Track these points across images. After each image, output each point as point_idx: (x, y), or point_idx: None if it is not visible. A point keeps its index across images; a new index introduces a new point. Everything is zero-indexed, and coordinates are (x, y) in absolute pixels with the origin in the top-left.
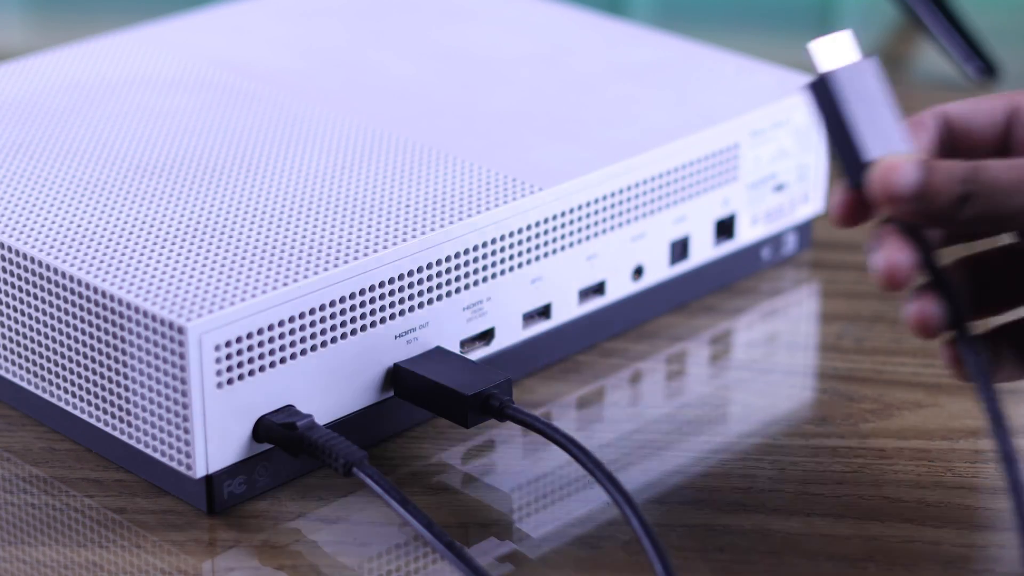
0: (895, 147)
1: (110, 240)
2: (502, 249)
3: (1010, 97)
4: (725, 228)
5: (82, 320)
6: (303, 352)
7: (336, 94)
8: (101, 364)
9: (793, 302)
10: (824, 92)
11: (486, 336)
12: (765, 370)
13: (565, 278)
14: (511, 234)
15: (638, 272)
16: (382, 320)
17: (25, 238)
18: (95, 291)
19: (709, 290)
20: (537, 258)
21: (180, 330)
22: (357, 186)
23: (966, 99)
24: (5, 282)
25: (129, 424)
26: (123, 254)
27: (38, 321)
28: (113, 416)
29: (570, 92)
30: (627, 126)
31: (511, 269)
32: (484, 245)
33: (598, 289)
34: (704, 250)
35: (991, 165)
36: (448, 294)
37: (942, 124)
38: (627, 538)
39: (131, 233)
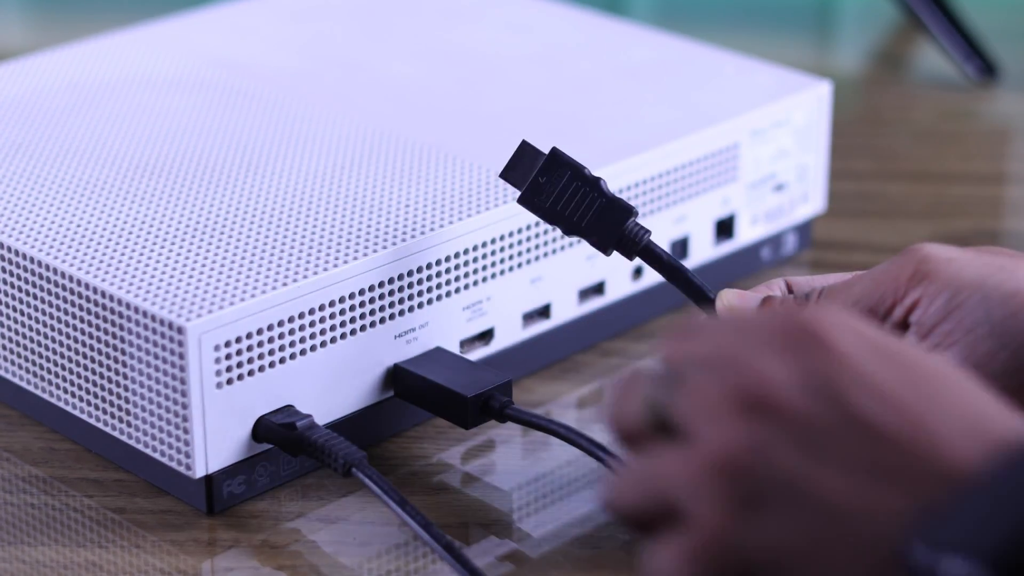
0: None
1: (110, 240)
2: (502, 249)
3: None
4: (725, 228)
5: (82, 320)
6: (303, 352)
7: (336, 94)
8: (101, 364)
9: None
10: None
11: (486, 336)
12: None
13: (565, 278)
14: (511, 234)
15: (638, 272)
16: (382, 320)
17: (25, 238)
18: (95, 291)
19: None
20: (537, 258)
21: (180, 330)
22: (357, 186)
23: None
24: (5, 282)
25: (128, 424)
26: (123, 254)
27: (38, 321)
28: (112, 416)
29: (570, 92)
30: (627, 126)
31: (511, 269)
32: (484, 245)
33: (598, 289)
34: (704, 250)
35: None
36: (448, 294)
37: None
38: (627, 538)
39: (131, 233)
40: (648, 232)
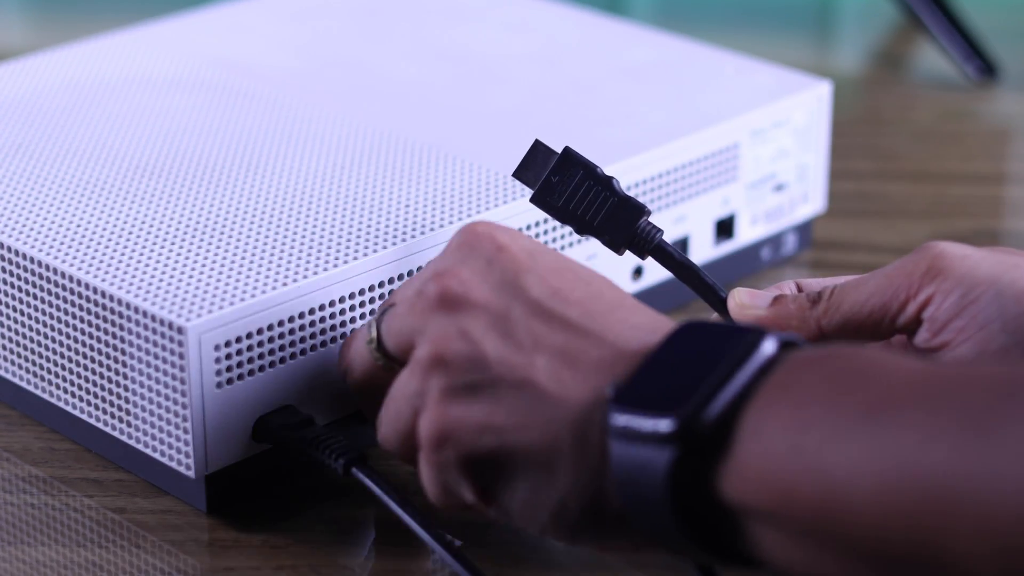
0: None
1: (110, 240)
2: None
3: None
4: (725, 228)
5: (82, 320)
6: (303, 352)
7: (336, 94)
8: (101, 364)
9: None
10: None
11: None
12: None
13: None
14: None
15: (638, 272)
16: None
17: (25, 238)
18: (95, 291)
19: None
20: None
21: (180, 330)
22: (357, 186)
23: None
24: (5, 282)
25: (129, 424)
26: (123, 254)
27: (38, 321)
28: (113, 416)
29: (570, 92)
30: (627, 126)
31: None
32: None
33: None
34: (704, 250)
35: None
36: None
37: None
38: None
39: (131, 233)
40: (660, 231)
